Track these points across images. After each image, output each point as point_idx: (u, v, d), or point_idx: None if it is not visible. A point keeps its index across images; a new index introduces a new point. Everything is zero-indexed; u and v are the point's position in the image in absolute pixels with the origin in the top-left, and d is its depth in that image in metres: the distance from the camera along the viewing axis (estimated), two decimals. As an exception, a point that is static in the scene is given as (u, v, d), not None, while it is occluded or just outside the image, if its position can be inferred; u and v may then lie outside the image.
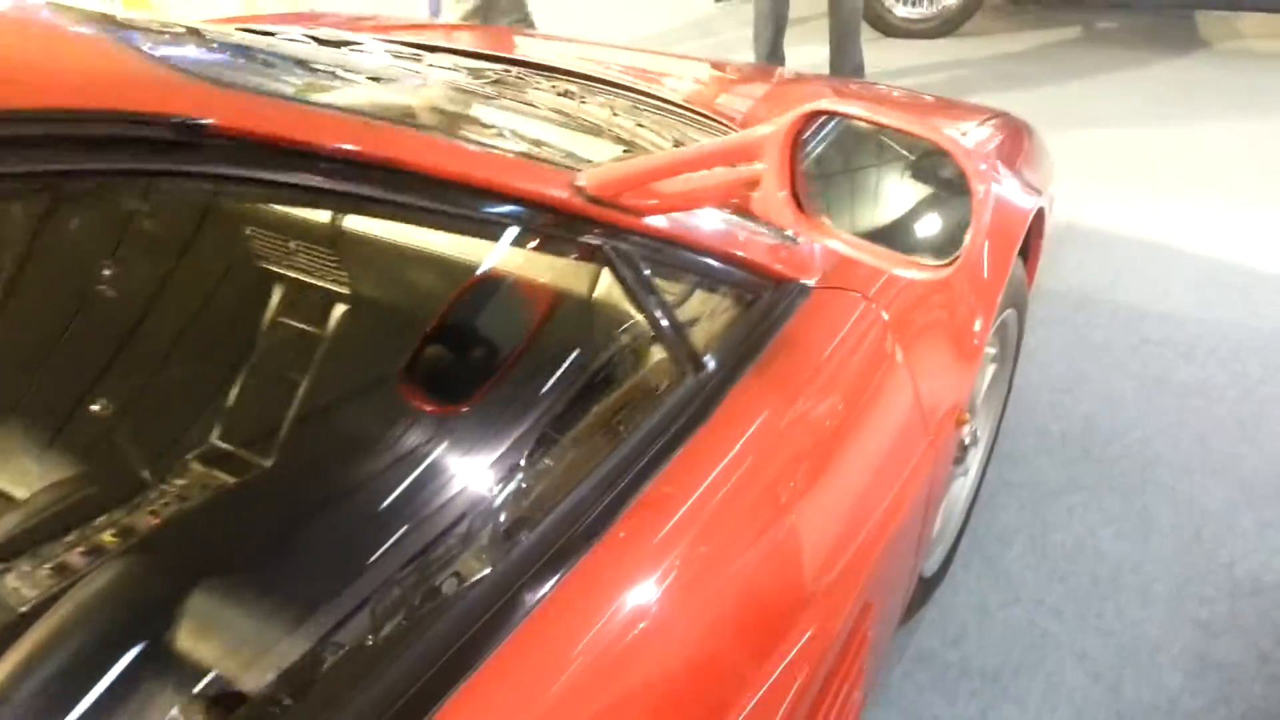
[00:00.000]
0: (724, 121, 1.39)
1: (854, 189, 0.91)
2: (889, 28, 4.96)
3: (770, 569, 0.85)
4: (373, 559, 0.85)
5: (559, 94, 1.39)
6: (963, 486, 1.66)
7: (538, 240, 0.81)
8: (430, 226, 0.80)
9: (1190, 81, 4.40)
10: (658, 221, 0.84)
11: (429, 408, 0.94)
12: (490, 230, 0.78)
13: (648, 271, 0.84)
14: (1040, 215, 1.58)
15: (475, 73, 1.49)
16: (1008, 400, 1.81)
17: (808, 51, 4.37)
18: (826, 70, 4.09)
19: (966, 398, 1.25)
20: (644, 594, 0.74)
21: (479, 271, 0.87)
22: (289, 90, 0.72)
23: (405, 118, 0.84)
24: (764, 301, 0.97)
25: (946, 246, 0.73)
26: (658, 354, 0.89)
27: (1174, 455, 2.01)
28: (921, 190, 0.80)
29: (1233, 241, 2.88)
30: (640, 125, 1.24)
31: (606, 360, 0.89)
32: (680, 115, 1.41)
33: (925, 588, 1.55)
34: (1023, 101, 4.05)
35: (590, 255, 0.82)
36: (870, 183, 0.91)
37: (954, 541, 1.65)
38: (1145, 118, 3.93)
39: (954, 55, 4.78)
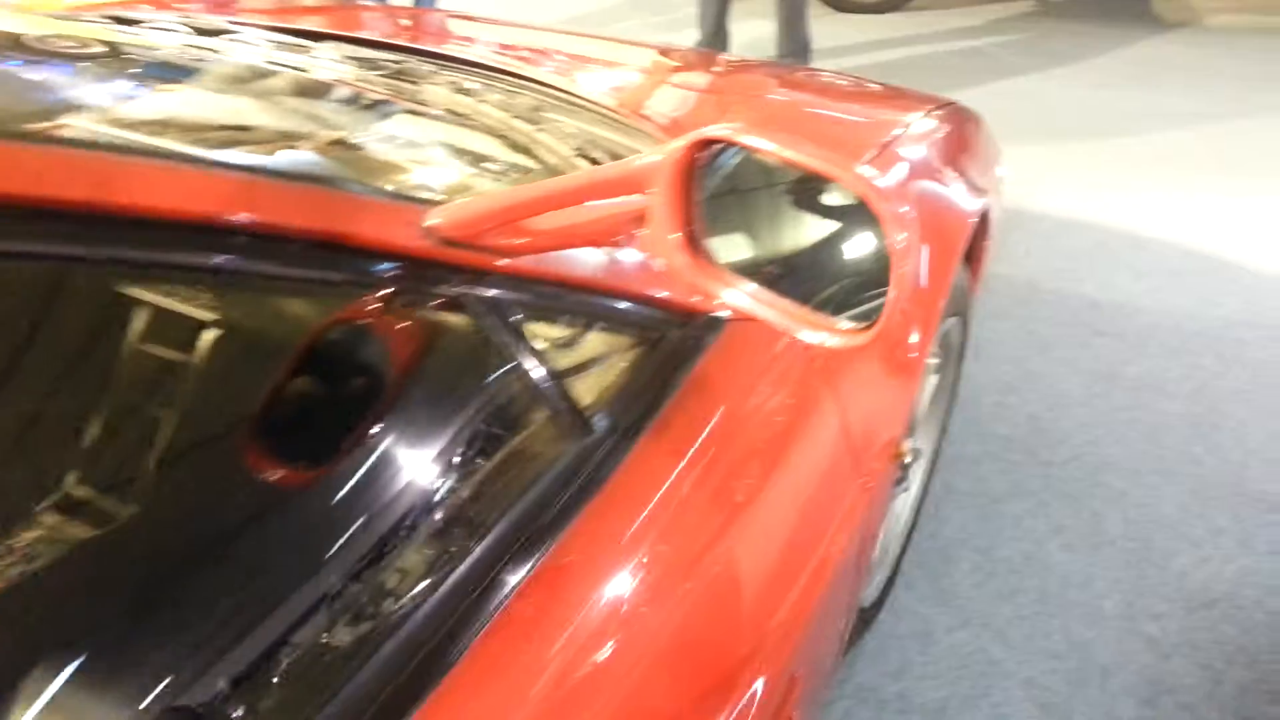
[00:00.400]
0: (643, 123, 1.26)
1: (760, 227, 0.79)
2: (839, 2, 4.85)
3: (685, 641, 0.75)
4: (241, 633, 0.73)
5: (455, 91, 1.25)
6: (905, 503, 1.57)
7: (382, 294, 0.68)
8: (233, 291, 0.66)
9: (1143, 58, 4.35)
10: (533, 259, 0.72)
11: (276, 475, 0.81)
12: (320, 289, 0.65)
13: (518, 317, 0.71)
14: (986, 217, 1.47)
15: (369, 65, 1.34)
16: (952, 407, 1.72)
17: (756, 27, 4.24)
18: (774, 48, 3.96)
19: (905, 426, 1.15)
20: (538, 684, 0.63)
21: (324, 324, 0.73)
22: (59, 124, 0.59)
23: (229, 139, 0.70)
24: (670, 341, 0.85)
25: (866, 300, 0.61)
26: (546, 411, 0.77)
27: (1125, 457, 1.94)
28: (839, 230, 0.68)
29: (1185, 227, 2.83)
30: (541, 130, 1.11)
31: (486, 419, 0.77)
32: (594, 114, 1.28)
33: (864, 617, 1.46)
34: (973, 79, 3.97)
35: (448, 307, 0.70)
36: (780, 220, 0.79)
37: (895, 563, 1.56)
38: (1096, 97, 3.87)
39: (905, 31, 4.68)
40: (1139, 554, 1.71)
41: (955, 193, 1.39)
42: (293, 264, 0.60)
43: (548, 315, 0.76)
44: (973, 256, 1.51)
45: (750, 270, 0.67)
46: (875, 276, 0.60)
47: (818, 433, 0.95)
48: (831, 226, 0.66)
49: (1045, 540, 1.73)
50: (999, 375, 2.18)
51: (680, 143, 0.61)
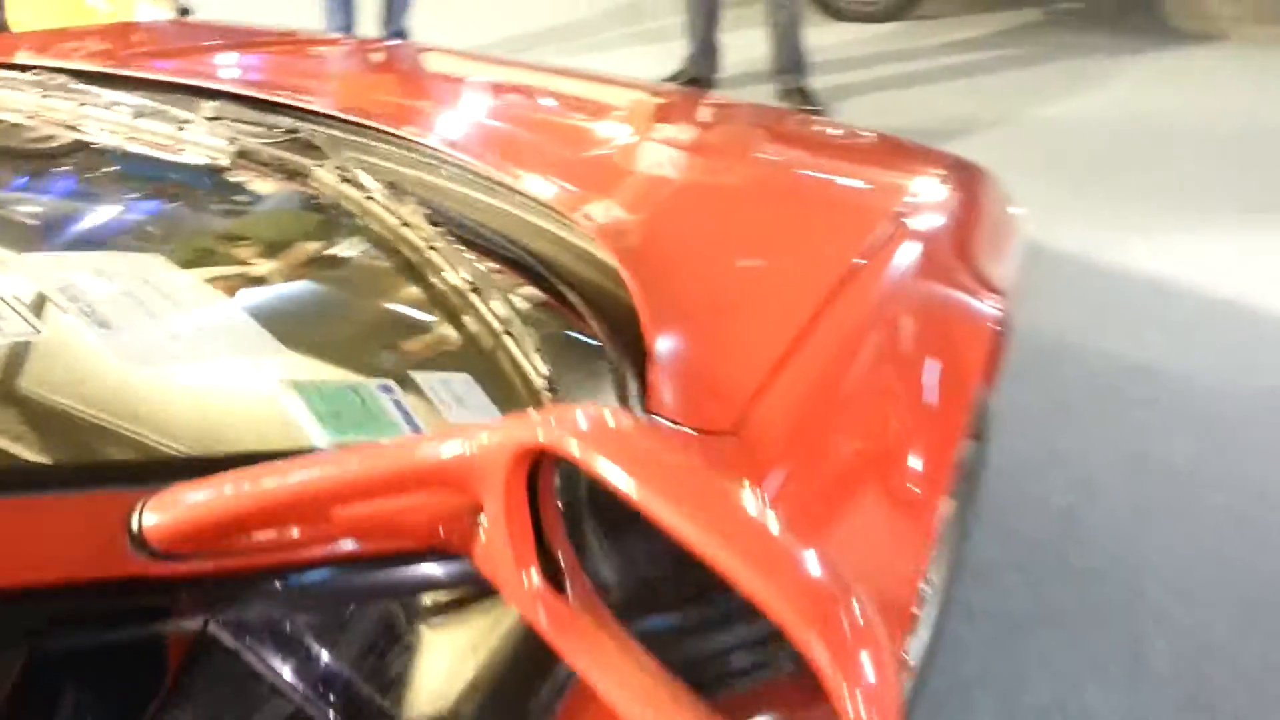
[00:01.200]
0: (584, 226, 0.97)
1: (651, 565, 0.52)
2: (836, 12, 4.58)
3: None
4: None
5: (344, 180, 0.99)
6: (916, 649, 1.30)
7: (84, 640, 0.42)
8: None
9: (1158, 75, 4.07)
10: None
11: None
12: None
13: (297, 632, 0.45)
14: (1005, 319, 1.20)
15: (260, 133, 1.08)
16: (970, 527, 1.45)
17: (748, 38, 3.95)
18: (768, 62, 3.69)
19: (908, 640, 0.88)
20: None
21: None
22: None
23: None
24: None
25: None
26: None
27: (1167, 564, 1.67)
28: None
29: (1212, 273, 2.54)
30: (439, 248, 0.84)
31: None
32: (526, 210, 1.00)
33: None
34: (976, 98, 3.70)
35: (188, 644, 0.43)
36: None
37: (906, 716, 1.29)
38: (1109, 120, 3.59)
39: (904, 43, 4.41)
40: (1190, 696, 1.44)
41: (973, 296, 1.13)
42: None
43: (343, 613, 0.49)
44: (989, 364, 1.24)
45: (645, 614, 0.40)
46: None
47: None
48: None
49: (1079, 679, 1.46)
50: (1021, 456, 1.90)
51: (509, 448, 0.35)
